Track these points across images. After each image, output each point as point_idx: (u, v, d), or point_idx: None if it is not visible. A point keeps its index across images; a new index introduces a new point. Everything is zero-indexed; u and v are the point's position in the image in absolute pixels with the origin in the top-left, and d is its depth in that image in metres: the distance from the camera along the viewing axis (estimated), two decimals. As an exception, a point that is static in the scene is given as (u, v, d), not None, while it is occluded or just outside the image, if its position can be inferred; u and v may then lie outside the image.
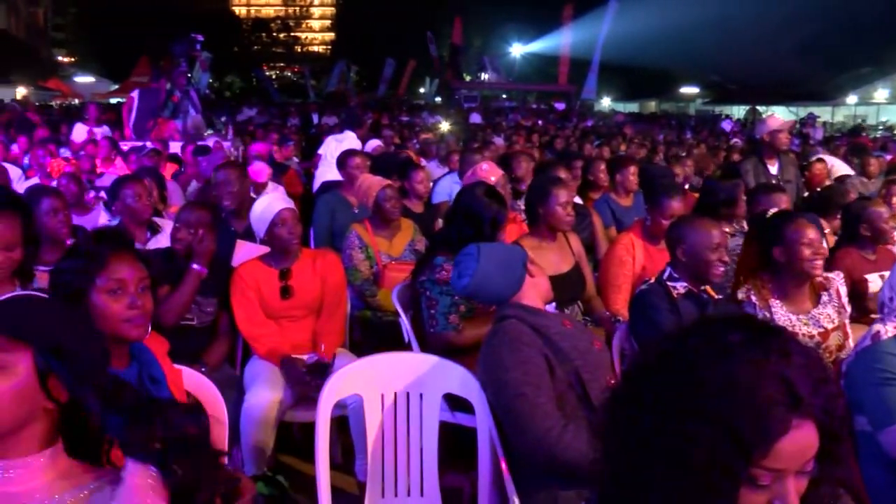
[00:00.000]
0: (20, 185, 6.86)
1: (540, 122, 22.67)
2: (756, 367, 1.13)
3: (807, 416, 1.11)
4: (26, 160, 8.98)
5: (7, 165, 7.13)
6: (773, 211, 3.52)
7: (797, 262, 3.13)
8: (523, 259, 2.74)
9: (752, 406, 1.10)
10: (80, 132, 11.17)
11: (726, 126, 21.42)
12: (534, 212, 4.07)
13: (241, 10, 76.96)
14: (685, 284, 3.29)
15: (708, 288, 3.32)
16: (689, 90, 44.37)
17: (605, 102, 43.93)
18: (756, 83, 34.86)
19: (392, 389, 2.91)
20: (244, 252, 4.27)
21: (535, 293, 2.72)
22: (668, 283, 3.29)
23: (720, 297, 3.34)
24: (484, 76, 43.22)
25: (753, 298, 3.25)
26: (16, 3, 46.92)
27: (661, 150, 11.88)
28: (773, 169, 6.24)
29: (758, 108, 29.77)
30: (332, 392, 2.84)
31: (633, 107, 45.87)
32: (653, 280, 3.38)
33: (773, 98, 32.67)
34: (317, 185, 7.89)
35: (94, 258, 2.19)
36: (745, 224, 4.53)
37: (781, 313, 3.18)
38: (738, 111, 37.14)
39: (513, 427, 2.44)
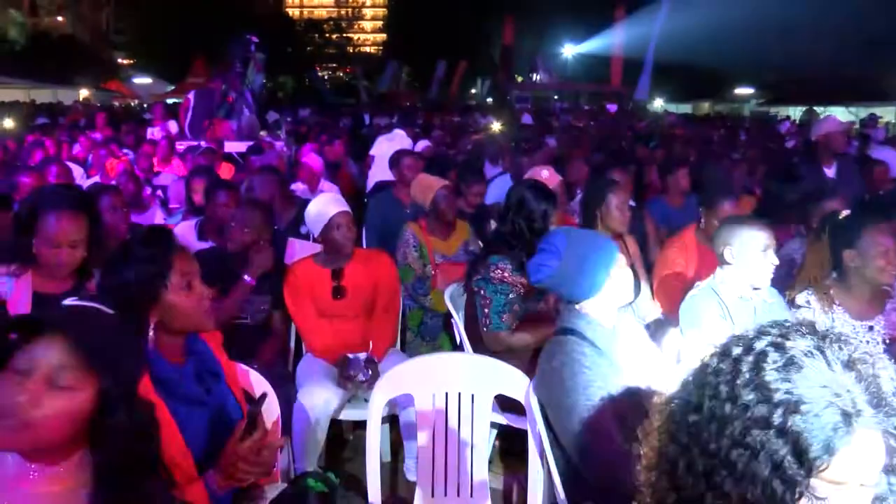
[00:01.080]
0: (82, 183, 7.04)
1: (592, 123, 22.46)
2: (824, 376, 1.11)
3: (870, 428, 1.09)
4: (89, 159, 9.22)
5: (70, 164, 7.32)
6: (845, 213, 3.40)
7: (869, 269, 3.04)
8: (609, 262, 2.55)
9: (817, 416, 1.08)
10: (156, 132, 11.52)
11: (784, 128, 20.92)
12: (590, 214, 4.06)
13: (294, 12, 77.90)
14: (736, 288, 3.20)
15: (761, 290, 3.22)
16: (743, 91, 43.49)
17: (658, 103, 43.35)
18: (815, 83, 34.02)
19: (443, 389, 2.91)
20: (297, 250, 4.33)
21: (611, 298, 2.57)
22: (720, 286, 3.22)
23: (773, 300, 3.25)
24: (535, 77, 43.00)
25: (815, 303, 3.17)
26: (82, 9, 48.22)
27: (715, 152, 11.69)
28: (830, 172, 6.09)
29: (815, 108, 29.11)
30: (384, 391, 2.86)
31: (685, 108, 45.15)
32: (704, 284, 3.31)
33: (833, 98, 31.86)
34: (370, 185, 7.94)
35: (161, 260, 2.19)
36: (802, 228, 4.44)
37: (844, 320, 3.10)
38: (795, 112, 36.36)
39: (576, 450, 2.35)
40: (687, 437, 1.19)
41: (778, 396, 1.11)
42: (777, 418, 1.09)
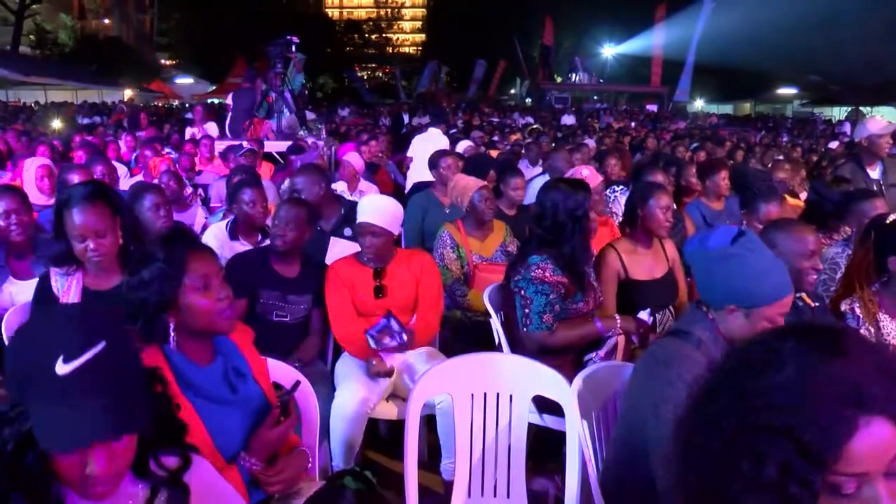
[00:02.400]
0: (125, 182, 7.17)
1: (632, 123, 22.30)
2: (812, 370, 1.09)
3: (878, 412, 1.06)
4: (133, 157, 9.39)
5: (114, 164, 7.45)
6: (892, 217, 3.29)
7: None
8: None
9: (812, 411, 1.06)
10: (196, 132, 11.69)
11: (845, 128, 20.33)
12: (633, 214, 4.02)
13: (334, 13, 78.46)
14: None
15: (804, 296, 3.15)
16: (786, 91, 42.85)
17: (698, 104, 42.88)
18: (860, 83, 33.33)
19: (482, 390, 2.91)
20: (338, 249, 4.36)
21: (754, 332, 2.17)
22: None
23: (817, 304, 3.18)
24: (575, 77, 42.80)
25: (858, 311, 3.11)
26: (127, 11, 49.17)
27: (756, 153, 11.54)
28: (875, 173, 5.97)
29: (861, 109, 28.55)
30: (423, 391, 2.87)
31: (727, 108, 44.65)
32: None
33: (879, 98, 31.20)
34: (409, 185, 7.97)
35: (176, 260, 2.20)
36: (848, 231, 4.36)
37: (891, 328, 3.03)
38: (840, 112, 35.71)
39: (651, 464, 2.15)
40: (698, 454, 1.18)
41: (775, 398, 1.09)
42: (777, 420, 1.08)
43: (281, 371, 2.77)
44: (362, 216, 3.71)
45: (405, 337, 3.53)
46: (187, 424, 1.68)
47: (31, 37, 43.76)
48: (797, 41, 34.71)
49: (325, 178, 5.22)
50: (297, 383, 2.52)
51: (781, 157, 9.75)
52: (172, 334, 2.19)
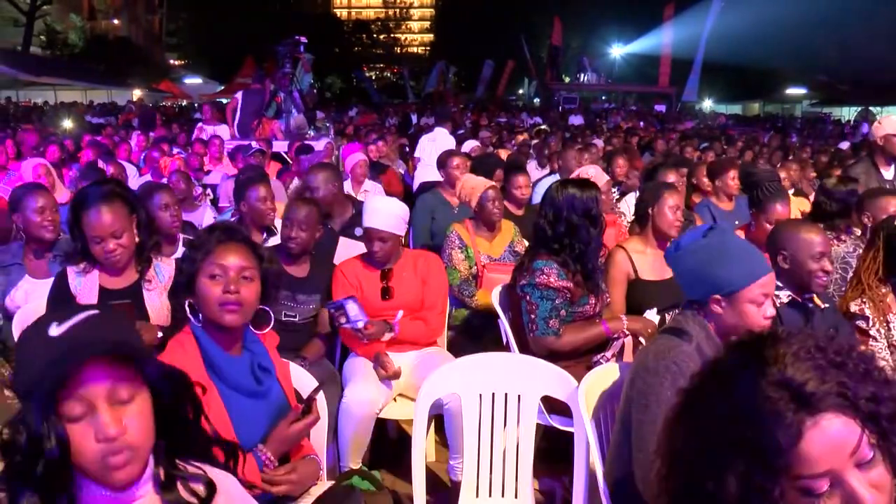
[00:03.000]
0: (134, 181, 7.20)
1: (641, 123, 22.26)
2: (753, 380, 1.10)
3: (825, 409, 1.06)
4: (142, 157, 9.42)
5: (123, 163, 7.49)
6: None
7: None
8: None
9: (756, 420, 1.07)
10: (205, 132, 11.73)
11: (864, 128, 20.08)
12: (643, 214, 4.02)
13: (342, 13, 78.54)
14: (788, 293, 3.11)
15: (814, 297, 3.13)
16: (795, 91, 42.68)
17: (707, 104, 42.77)
18: (870, 82, 33.16)
19: (490, 389, 2.91)
20: (346, 250, 4.36)
21: (744, 318, 2.29)
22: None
23: (826, 305, 3.17)
24: (583, 77, 42.73)
25: (868, 312, 3.10)
26: (136, 12, 49.37)
27: (765, 153, 11.50)
28: (888, 174, 5.93)
29: (871, 109, 28.40)
30: (431, 390, 2.87)
31: (735, 108, 44.51)
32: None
33: (889, 98, 31.03)
34: (416, 185, 7.97)
35: (203, 246, 2.31)
36: (857, 231, 4.34)
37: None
38: (849, 112, 35.53)
39: (637, 458, 2.22)
40: (669, 471, 1.22)
41: (722, 414, 1.11)
42: (727, 434, 1.09)
43: (297, 375, 2.78)
44: (368, 221, 3.71)
45: (360, 325, 3.48)
46: (215, 434, 1.67)
47: (42, 37, 44.01)
48: (805, 41, 34.61)
49: (339, 178, 5.22)
50: (320, 386, 2.54)
51: (791, 157, 9.74)
52: (199, 315, 2.29)
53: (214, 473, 1.58)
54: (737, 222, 5.00)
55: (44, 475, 1.31)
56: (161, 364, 1.49)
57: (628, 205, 5.81)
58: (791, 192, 6.44)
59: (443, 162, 6.05)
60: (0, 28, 42.04)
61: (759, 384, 1.09)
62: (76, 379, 1.32)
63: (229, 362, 2.28)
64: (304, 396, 2.54)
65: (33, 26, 42.06)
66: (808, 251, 3.02)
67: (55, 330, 1.36)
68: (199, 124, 12.63)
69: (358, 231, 4.75)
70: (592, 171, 4.90)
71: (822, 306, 3.14)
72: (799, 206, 5.71)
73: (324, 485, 2.44)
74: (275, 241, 4.58)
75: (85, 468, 1.35)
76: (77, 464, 1.35)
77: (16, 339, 3.20)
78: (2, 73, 28.81)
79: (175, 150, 9.56)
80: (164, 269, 3.19)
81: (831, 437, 1.05)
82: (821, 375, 1.07)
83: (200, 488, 1.51)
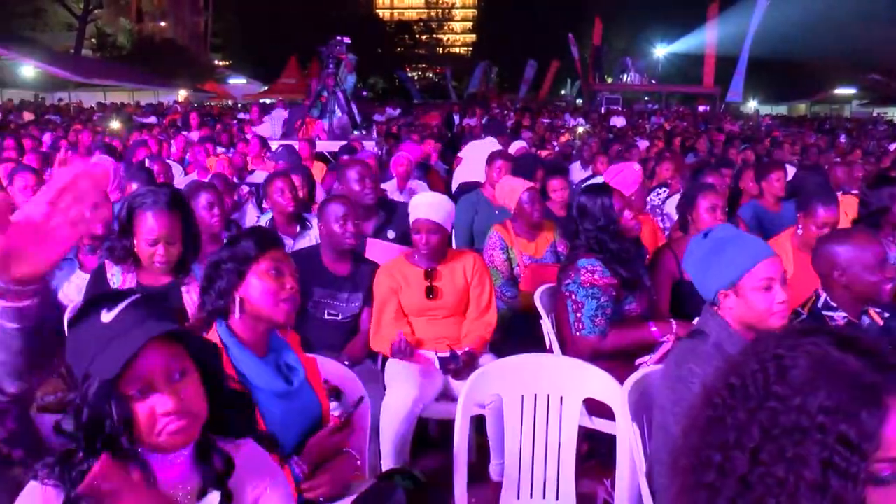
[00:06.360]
0: (180, 181, 7.31)
1: (683, 124, 22.00)
2: (828, 365, 1.07)
3: None
4: (186, 157, 9.55)
5: (170, 163, 7.60)
6: None
7: None
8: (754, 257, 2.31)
9: (839, 404, 1.04)
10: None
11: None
12: (683, 219, 3.99)
13: (384, 13, 78.83)
14: (844, 315, 2.87)
15: (871, 311, 2.91)
16: (844, 91, 41.79)
17: (751, 104, 42.07)
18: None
19: (532, 391, 2.90)
20: (377, 251, 4.35)
21: (754, 308, 2.29)
22: (825, 314, 2.89)
23: (887, 315, 2.92)
24: (626, 78, 42.38)
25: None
26: (182, 14, 50.18)
27: (812, 155, 11.30)
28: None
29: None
30: (473, 391, 2.87)
31: (781, 109, 43.74)
32: (805, 312, 2.95)
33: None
34: (455, 185, 7.98)
35: (261, 243, 2.34)
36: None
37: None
38: (901, 113, 34.74)
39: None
40: (722, 476, 1.15)
41: (797, 402, 1.07)
42: (800, 421, 1.05)
43: (333, 369, 2.80)
44: (418, 213, 3.71)
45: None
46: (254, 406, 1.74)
47: (93, 40, 45.02)
48: (855, 39, 33.77)
49: (374, 178, 5.22)
50: (361, 398, 2.55)
51: (839, 160, 9.55)
52: (237, 311, 2.30)
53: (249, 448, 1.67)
54: (785, 226, 4.90)
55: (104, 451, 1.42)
56: (202, 339, 1.63)
57: (672, 205, 5.75)
58: (839, 193, 6.32)
59: (489, 161, 6.05)
60: (55, 32, 43.14)
61: (836, 366, 1.07)
62: (134, 359, 1.43)
63: (258, 365, 2.29)
64: (345, 396, 2.56)
65: (85, 30, 43.06)
66: (863, 262, 2.80)
67: (106, 316, 1.48)
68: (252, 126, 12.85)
69: (391, 233, 4.76)
70: (637, 167, 4.90)
71: (881, 320, 2.89)
72: (847, 207, 5.59)
73: (365, 482, 2.46)
74: (308, 235, 4.62)
75: (144, 441, 1.47)
76: (136, 438, 1.46)
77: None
78: (55, 76, 29.54)
79: (219, 150, 9.68)
80: (201, 269, 3.22)
81: None
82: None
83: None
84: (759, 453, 1.09)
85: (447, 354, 3.61)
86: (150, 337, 1.44)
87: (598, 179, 6.39)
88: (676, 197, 5.89)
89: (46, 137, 12.01)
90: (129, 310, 1.49)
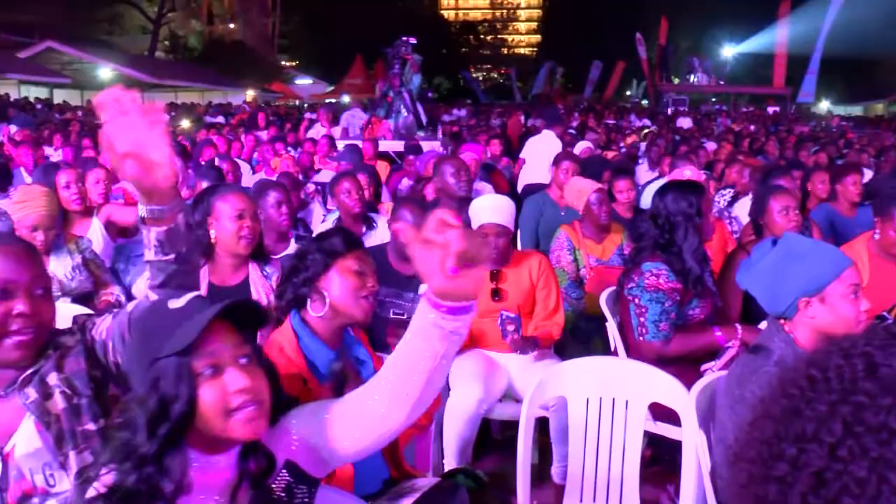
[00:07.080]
0: (248, 179, 7.46)
1: (752, 126, 21.52)
2: None
3: None
4: (255, 156, 9.75)
5: (238, 161, 7.77)
6: None
7: None
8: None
9: None
10: (316, 131, 12.09)
11: None
12: (756, 224, 3.92)
13: (449, 14, 79.04)
14: None
15: None
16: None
17: (823, 105, 40.86)
18: None
19: (597, 394, 2.89)
20: None
21: (841, 315, 2.21)
22: None
23: None
24: (693, 78, 41.64)
25: None
26: (251, 16, 51.20)
27: (890, 157, 10.94)
28: None
29: None
30: (538, 393, 2.87)
31: (855, 110, 42.35)
32: (891, 317, 2.89)
33: None
34: (520, 187, 7.96)
35: (348, 241, 2.42)
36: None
37: None
38: None
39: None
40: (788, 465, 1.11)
41: (889, 401, 1.03)
42: (888, 422, 1.01)
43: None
44: (482, 217, 3.71)
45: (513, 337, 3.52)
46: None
47: (166, 42, 46.40)
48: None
49: (469, 174, 5.24)
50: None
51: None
52: (319, 304, 2.35)
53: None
54: (859, 232, 4.76)
55: (165, 437, 1.42)
56: (260, 348, 1.67)
57: (742, 208, 5.65)
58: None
59: (556, 162, 6.03)
60: (131, 35, 44.67)
61: None
62: (203, 339, 1.45)
63: (329, 355, 2.34)
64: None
65: (159, 33, 44.43)
66: None
67: (174, 304, 1.53)
68: (316, 125, 13.04)
69: None
70: (688, 173, 4.80)
71: None
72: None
73: (428, 480, 2.48)
74: (375, 234, 4.67)
75: (210, 426, 1.45)
76: (201, 424, 1.45)
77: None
78: (131, 77, 30.44)
79: (286, 149, 9.84)
80: (272, 268, 3.30)
81: None
82: None
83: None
84: (837, 449, 1.06)
85: (514, 315, 3.56)
86: (228, 304, 1.46)
87: (663, 181, 6.32)
88: (745, 200, 5.79)
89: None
90: (196, 299, 1.55)
